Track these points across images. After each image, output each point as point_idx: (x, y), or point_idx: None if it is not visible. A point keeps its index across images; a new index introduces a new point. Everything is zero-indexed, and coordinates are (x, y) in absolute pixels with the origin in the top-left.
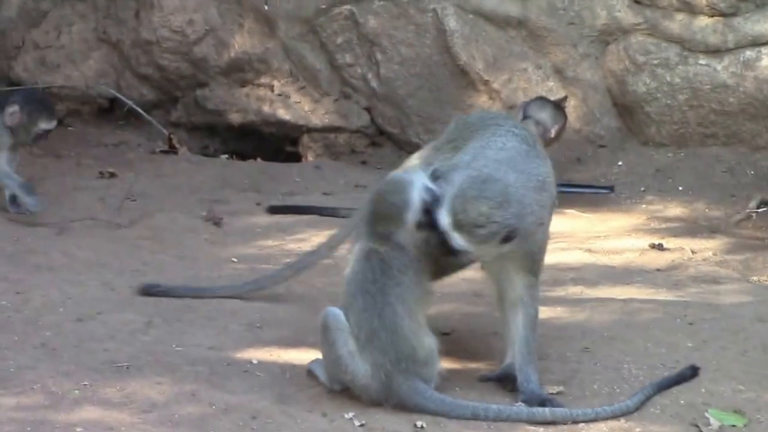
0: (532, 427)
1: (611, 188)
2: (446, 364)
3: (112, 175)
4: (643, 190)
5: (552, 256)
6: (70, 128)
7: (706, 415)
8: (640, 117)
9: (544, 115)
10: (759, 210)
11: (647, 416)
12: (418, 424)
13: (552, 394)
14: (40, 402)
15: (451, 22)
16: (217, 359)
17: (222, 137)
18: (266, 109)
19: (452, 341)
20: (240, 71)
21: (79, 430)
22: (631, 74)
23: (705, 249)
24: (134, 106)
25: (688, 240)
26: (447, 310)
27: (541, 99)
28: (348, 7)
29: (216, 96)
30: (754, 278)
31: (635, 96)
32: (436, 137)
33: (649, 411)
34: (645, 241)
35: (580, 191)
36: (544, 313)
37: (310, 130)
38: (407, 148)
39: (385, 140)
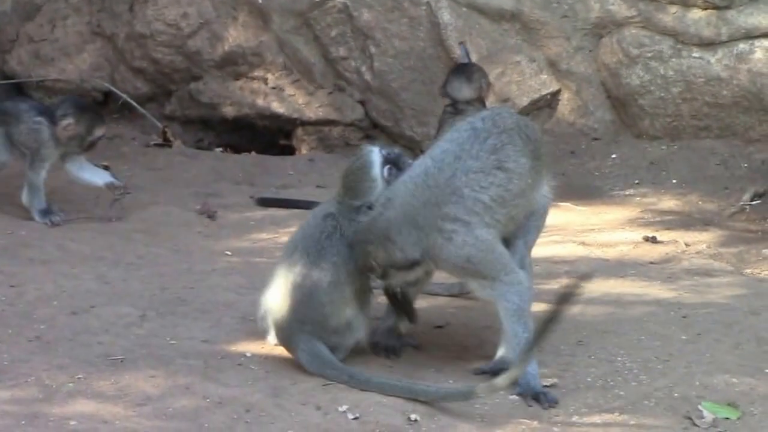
0: (527, 420)
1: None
2: (440, 357)
3: (107, 168)
4: (637, 183)
5: (546, 249)
6: None
7: (700, 407)
8: (633, 110)
9: (466, 91)
10: (752, 203)
11: (641, 409)
12: (412, 417)
13: (546, 386)
14: (35, 395)
15: (445, 15)
16: (211, 352)
17: (216, 130)
18: (260, 102)
19: (445, 334)
20: (234, 64)
21: (73, 423)
22: (625, 67)
23: (698, 242)
24: (129, 100)
25: (681, 233)
26: (440, 303)
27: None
28: (342, 0)
29: (210, 89)
30: (748, 271)
31: (629, 89)
32: (430, 130)
33: (643, 404)
34: (638, 233)
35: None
36: (538, 306)
37: (304, 123)
38: (401, 141)
39: (379, 133)
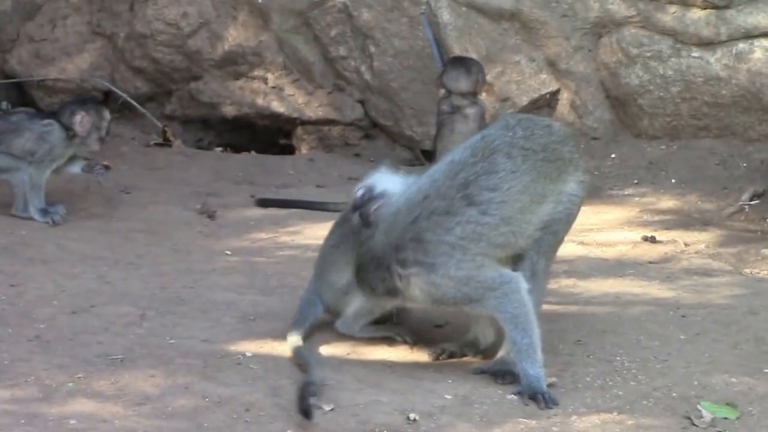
0: (525, 419)
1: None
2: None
3: (107, 167)
4: (636, 183)
5: None
6: None
7: (699, 407)
8: (632, 109)
9: (463, 83)
10: (751, 202)
11: (640, 409)
12: (411, 416)
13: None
14: (34, 394)
15: (445, 15)
16: (210, 352)
17: (216, 130)
18: (260, 101)
19: (445, 334)
20: (234, 64)
21: (72, 422)
22: (624, 67)
23: (697, 241)
24: (129, 99)
25: (680, 232)
26: None
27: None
28: (341, 0)
29: (210, 89)
30: (747, 271)
31: (628, 88)
32: (430, 129)
33: (642, 403)
34: (638, 233)
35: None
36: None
37: (303, 122)
38: (401, 140)
39: (378, 133)
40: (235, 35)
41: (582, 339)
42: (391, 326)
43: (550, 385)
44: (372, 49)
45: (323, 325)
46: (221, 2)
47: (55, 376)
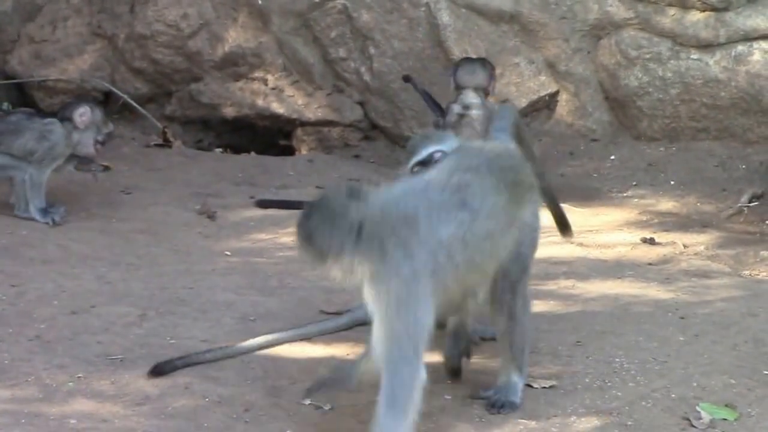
0: (524, 420)
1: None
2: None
3: (106, 168)
4: (635, 184)
5: (544, 250)
6: None
7: (698, 408)
8: (632, 111)
9: (479, 78)
10: (750, 204)
11: (639, 410)
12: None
13: (544, 387)
14: (34, 394)
15: (444, 17)
16: None
17: (216, 131)
18: (260, 102)
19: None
20: (234, 65)
21: (72, 422)
22: (623, 68)
23: (696, 243)
24: (129, 100)
25: (679, 234)
26: None
27: (468, 63)
28: (341, 1)
29: (210, 90)
30: (746, 272)
31: (627, 90)
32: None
33: (641, 404)
34: (637, 235)
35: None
36: (537, 306)
37: (303, 123)
38: (400, 141)
39: (378, 134)
40: (235, 36)
41: (581, 340)
42: None
43: (550, 388)
44: (372, 50)
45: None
46: (221, 4)
47: (55, 375)
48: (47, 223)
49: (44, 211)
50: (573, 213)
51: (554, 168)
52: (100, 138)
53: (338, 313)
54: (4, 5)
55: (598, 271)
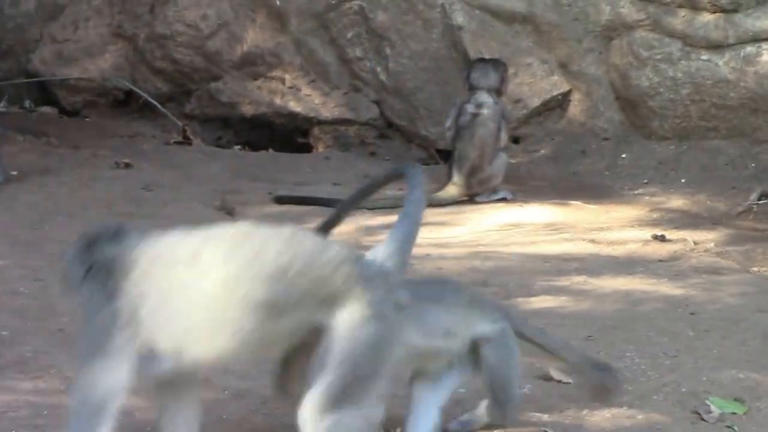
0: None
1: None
2: None
3: (128, 165)
4: (646, 182)
5: (557, 247)
6: (86, 119)
7: (707, 402)
8: (643, 111)
9: (492, 80)
10: (760, 202)
11: (649, 404)
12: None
13: (560, 382)
14: (57, 386)
15: (459, 18)
16: None
17: (235, 129)
18: (278, 101)
19: None
20: (252, 65)
21: None
22: (635, 69)
23: (706, 240)
24: (149, 99)
25: (689, 231)
26: None
27: (481, 65)
28: (358, 2)
29: (229, 89)
30: (755, 269)
31: (638, 90)
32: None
33: (652, 398)
34: (647, 232)
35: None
36: (549, 302)
37: (320, 122)
38: (416, 140)
39: (393, 132)
40: (254, 37)
41: (592, 335)
42: None
43: (567, 383)
44: (387, 50)
45: None
46: (240, 4)
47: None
48: None
49: None
50: (585, 210)
51: (567, 166)
52: None
53: None
54: (27, 5)
55: (609, 268)
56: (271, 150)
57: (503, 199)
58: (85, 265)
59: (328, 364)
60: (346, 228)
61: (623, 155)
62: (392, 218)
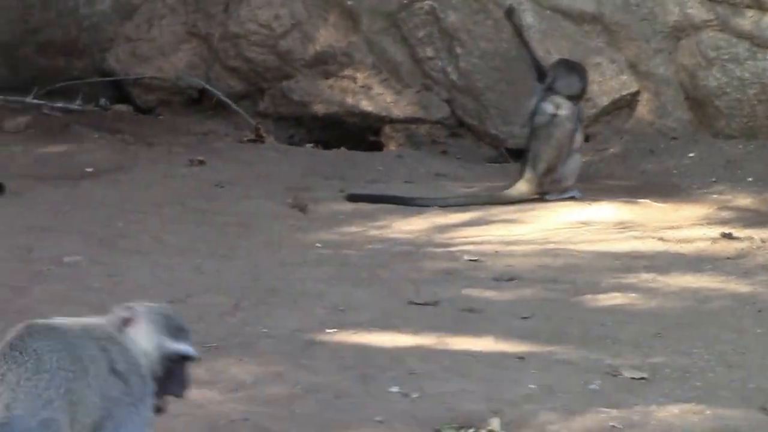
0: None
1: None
2: (524, 347)
3: (201, 162)
4: (714, 181)
5: (625, 244)
6: (160, 117)
7: None
8: (710, 110)
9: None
10: None
11: (717, 400)
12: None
13: (634, 378)
14: None
15: (528, 18)
16: (302, 341)
17: (307, 127)
18: (349, 100)
19: (530, 326)
20: (324, 64)
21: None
22: (702, 69)
23: None
24: (223, 97)
25: (757, 229)
26: (527, 295)
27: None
28: (429, 2)
29: (301, 88)
30: None
31: (706, 90)
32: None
33: (719, 394)
34: (715, 230)
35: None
36: (617, 299)
37: (392, 120)
38: (486, 139)
39: (464, 131)
40: (326, 36)
41: (661, 332)
42: None
43: (640, 379)
44: (458, 50)
45: (411, 317)
46: (313, 4)
47: None
48: None
49: None
50: (654, 208)
51: (635, 165)
52: None
53: None
54: (103, 5)
55: (677, 265)
56: (342, 148)
57: (572, 198)
58: None
59: None
60: (420, 226)
61: (691, 154)
62: (466, 216)
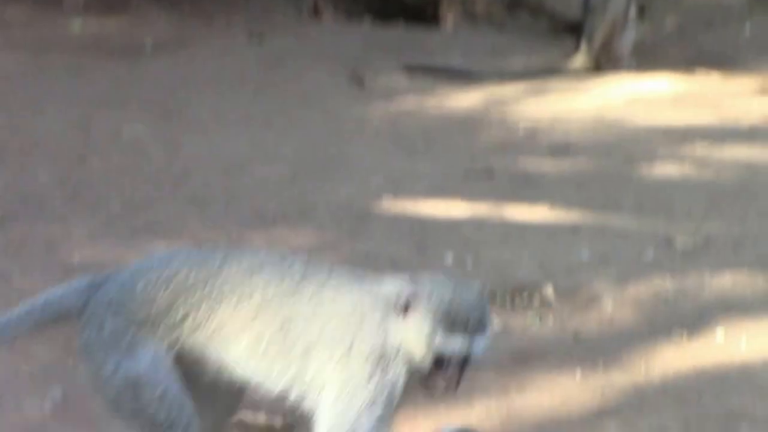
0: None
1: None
2: (579, 216)
3: (261, 37)
4: None
5: (680, 116)
6: None
7: None
8: None
9: None
10: None
11: None
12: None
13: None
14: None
15: None
16: (358, 210)
17: (365, 3)
18: None
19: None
20: None
21: None
22: None
23: None
24: None
25: None
26: (581, 165)
27: None
28: None
29: None
30: None
31: None
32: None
33: None
34: None
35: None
36: (671, 169)
37: None
38: (543, 13)
39: (521, 6)
40: None
41: (715, 202)
42: None
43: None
44: None
45: (467, 187)
46: None
47: (209, 233)
48: None
49: None
50: (709, 81)
51: (692, 39)
52: None
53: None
54: None
55: (731, 137)
56: (401, 23)
57: (628, 70)
58: None
59: None
60: (477, 98)
61: (748, 28)
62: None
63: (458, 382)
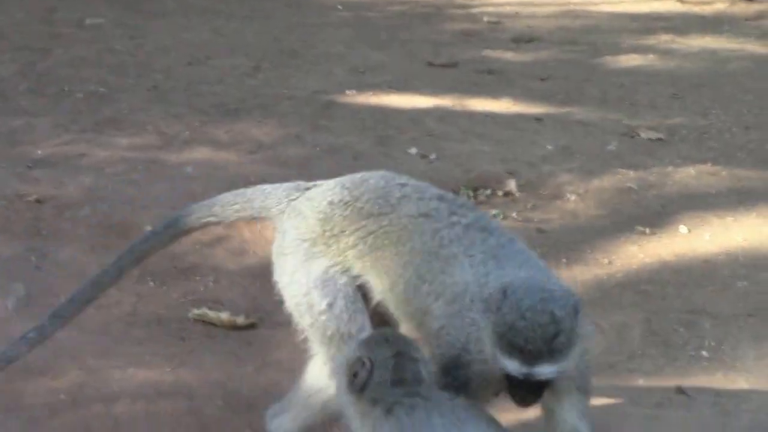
0: (623, 169)
1: None
2: (542, 108)
3: None
4: None
5: (644, 5)
6: None
7: None
8: None
9: None
10: None
11: (733, 160)
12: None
13: (650, 140)
14: (152, 142)
15: None
16: (321, 102)
17: None
18: None
19: (548, 87)
20: None
21: (188, 169)
22: None
23: None
24: None
25: None
26: (545, 56)
27: None
28: None
29: None
30: None
31: None
32: None
33: (735, 155)
34: None
35: None
36: (635, 60)
37: None
38: None
39: None
40: None
41: (679, 93)
42: None
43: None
44: None
45: (430, 78)
46: None
47: (172, 125)
48: None
49: None
50: None
51: None
52: None
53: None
54: None
55: (696, 27)
56: None
57: None
58: None
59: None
60: None
61: None
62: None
63: (525, 401)
